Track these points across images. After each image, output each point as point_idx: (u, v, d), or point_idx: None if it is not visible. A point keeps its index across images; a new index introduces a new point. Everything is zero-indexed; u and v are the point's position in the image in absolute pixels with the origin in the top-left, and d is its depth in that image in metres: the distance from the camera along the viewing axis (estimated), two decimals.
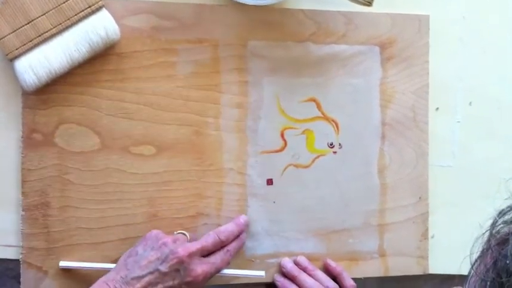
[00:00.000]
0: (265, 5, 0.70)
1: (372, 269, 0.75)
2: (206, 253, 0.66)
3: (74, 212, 0.67)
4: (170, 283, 0.62)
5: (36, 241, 0.66)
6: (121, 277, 0.61)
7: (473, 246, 0.45)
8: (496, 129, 0.79)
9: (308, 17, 0.72)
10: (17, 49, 0.64)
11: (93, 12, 0.65)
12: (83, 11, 0.65)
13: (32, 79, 0.64)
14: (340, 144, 0.74)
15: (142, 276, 0.61)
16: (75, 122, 0.67)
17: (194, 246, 0.64)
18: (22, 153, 0.66)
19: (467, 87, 0.78)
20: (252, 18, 0.71)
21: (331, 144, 0.74)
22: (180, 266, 0.62)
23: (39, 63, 0.64)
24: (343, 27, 0.73)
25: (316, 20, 0.72)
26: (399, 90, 0.75)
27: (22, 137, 0.66)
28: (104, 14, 0.66)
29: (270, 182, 0.72)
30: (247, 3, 0.69)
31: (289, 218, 0.73)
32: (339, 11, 0.73)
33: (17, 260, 0.66)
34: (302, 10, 0.72)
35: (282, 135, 0.72)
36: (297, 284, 0.71)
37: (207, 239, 0.66)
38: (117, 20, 0.66)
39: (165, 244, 0.63)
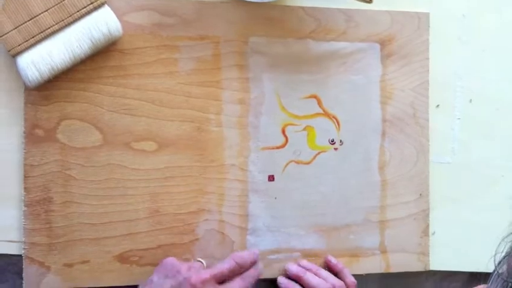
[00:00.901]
0: (265, 2, 0.71)
1: (373, 266, 0.75)
2: (222, 279, 0.65)
3: (76, 207, 0.67)
4: None
5: (39, 236, 0.66)
6: None
7: (499, 245, 0.45)
8: (495, 127, 0.79)
9: (308, 14, 0.73)
10: (19, 45, 0.64)
11: (95, 9, 0.65)
12: (85, 7, 0.65)
13: (34, 75, 0.64)
14: (341, 141, 0.74)
15: None
16: (77, 118, 0.67)
17: (208, 272, 0.64)
18: (24, 149, 0.66)
19: (467, 85, 0.78)
20: (252, 15, 0.71)
21: (332, 141, 0.74)
22: None
23: (41, 60, 0.64)
24: (343, 24, 0.74)
25: (316, 17, 0.73)
26: (399, 87, 0.76)
27: (24, 133, 0.66)
28: (106, 10, 0.66)
29: (271, 178, 0.72)
30: (248, 0, 0.69)
31: (291, 214, 0.73)
32: (339, 9, 0.73)
33: (20, 256, 0.66)
34: (302, 7, 0.73)
35: (283, 132, 0.73)
36: (302, 284, 0.71)
37: (223, 264, 0.66)
38: (119, 16, 0.67)
39: (179, 272, 0.63)
